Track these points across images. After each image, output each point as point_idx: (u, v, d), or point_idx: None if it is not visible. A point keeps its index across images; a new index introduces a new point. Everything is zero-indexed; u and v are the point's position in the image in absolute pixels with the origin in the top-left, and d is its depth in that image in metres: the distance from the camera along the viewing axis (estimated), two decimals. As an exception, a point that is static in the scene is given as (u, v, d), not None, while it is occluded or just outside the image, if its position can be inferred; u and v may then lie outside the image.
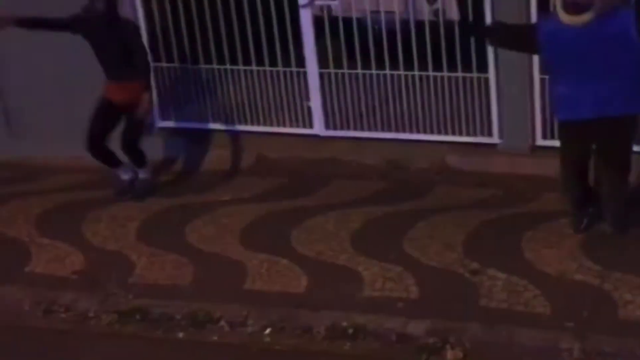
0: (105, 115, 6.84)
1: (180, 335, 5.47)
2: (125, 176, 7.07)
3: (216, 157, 7.48)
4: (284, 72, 7.56)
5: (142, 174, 7.11)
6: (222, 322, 5.50)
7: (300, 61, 7.48)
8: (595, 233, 5.97)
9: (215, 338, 5.43)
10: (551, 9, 5.86)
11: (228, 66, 7.64)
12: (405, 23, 7.28)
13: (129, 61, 6.64)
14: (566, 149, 5.85)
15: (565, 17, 5.50)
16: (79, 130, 6.72)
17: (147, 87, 6.75)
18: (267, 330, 5.42)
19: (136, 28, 6.92)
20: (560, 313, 5.26)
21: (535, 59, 6.78)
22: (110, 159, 7.01)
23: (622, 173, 5.85)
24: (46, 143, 7.66)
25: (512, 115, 6.98)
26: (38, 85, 7.69)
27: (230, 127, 7.72)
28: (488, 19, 6.81)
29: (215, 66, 7.66)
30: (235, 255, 6.12)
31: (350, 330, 5.32)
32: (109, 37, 6.63)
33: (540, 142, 6.95)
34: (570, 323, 5.17)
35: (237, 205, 6.79)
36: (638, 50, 5.48)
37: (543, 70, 6.81)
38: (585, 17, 5.44)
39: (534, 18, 6.65)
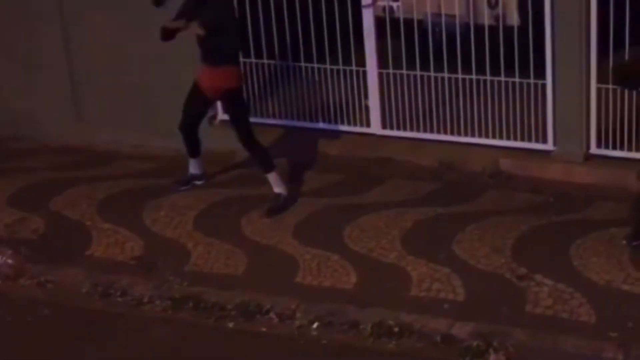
0: (196, 100, 6.62)
1: (231, 325, 5.49)
2: (193, 170, 7.01)
3: (276, 152, 7.46)
4: (344, 71, 7.52)
5: (278, 189, 6.59)
6: (272, 314, 5.50)
7: (361, 60, 7.45)
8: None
9: (264, 329, 5.43)
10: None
11: (290, 62, 7.61)
12: (465, 26, 7.19)
13: (220, 45, 6.34)
14: None
15: None
16: (146, 119, 6.75)
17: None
18: (315, 325, 5.40)
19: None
20: (605, 322, 5.16)
21: (593, 67, 6.65)
22: (192, 147, 6.83)
23: None
24: (113, 130, 7.74)
25: (567, 122, 6.83)
26: (107, 73, 7.76)
27: (291, 123, 7.71)
28: (548, 24, 6.69)
29: (278, 62, 7.64)
30: (289, 248, 6.11)
31: (396, 329, 5.28)
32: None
33: (594, 150, 6.80)
34: (615, 333, 5.07)
35: (292, 200, 6.80)
36: None
37: (601, 79, 6.69)
38: None
39: (593, 25, 6.51)
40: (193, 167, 7.00)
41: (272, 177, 6.63)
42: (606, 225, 6.06)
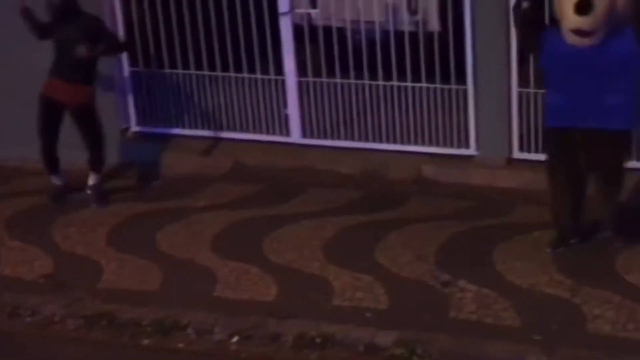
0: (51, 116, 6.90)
1: (146, 342, 5.44)
2: (57, 182, 7.09)
3: (192, 163, 7.46)
4: (262, 80, 7.58)
5: (93, 180, 7.07)
6: (189, 330, 5.47)
7: (279, 69, 7.52)
8: (568, 247, 5.97)
9: (181, 345, 5.40)
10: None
11: (206, 72, 7.65)
12: (385, 33, 7.31)
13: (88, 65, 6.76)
14: (555, 158, 5.81)
15: (572, 39, 5.52)
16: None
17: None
18: (234, 339, 5.39)
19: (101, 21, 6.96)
20: (529, 326, 5.26)
21: (514, 71, 6.84)
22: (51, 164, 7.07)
23: (616, 189, 5.84)
24: (18, 146, 7.62)
25: (489, 127, 6.99)
26: (5, 88, 7.66)
27: (207, 134, 7.74)
28: (468, 29, 6.86)
29: (193, 72, 7.67)
30: (206, 262, 6.10)
31: (318, 340, 5.30)
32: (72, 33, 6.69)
33: (517, 154, 6.96)
34: (539, 336, 5.17)
35: (210, 212, 6.77)
36: (636, 69, 5.53)
37: (521, 83, 6.87)
38: (592, 41, 5.47)
39: (513, 30, 6.69)
40: (56, 179, 7.11)
41: (97, 175, 7.03)
42: (529, 229, 6.20)
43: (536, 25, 5.85)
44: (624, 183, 5.88)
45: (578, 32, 5.46)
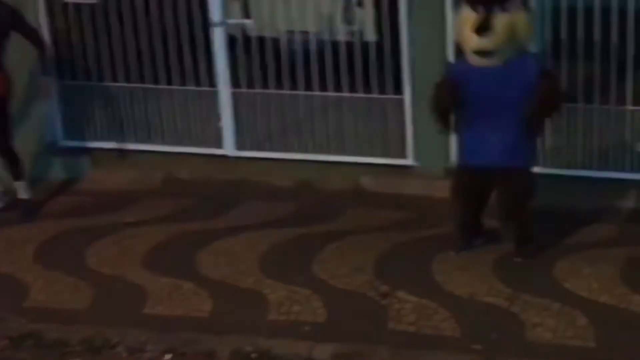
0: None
1: (75, 361, 5.39)
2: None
3: (122, 178, 7.41)
4: (195, 92, 7.56)
5: (23, 194, 6.97)
6: (120, 348, 5.40)
7: (212, 80, 7.51)
8: (507, 256, 6.06)
9: (112, 364, 5.36)
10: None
11: (136, 84, 7.60)
12: (321, 43, 7.36)
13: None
14: (463, 194, 6.01)
15: (474, 61, 5.68)
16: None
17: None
18: (167, 356, 5.34)
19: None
20: (469, 335, 5.31)
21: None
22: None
23: (526, 227, 6.03)
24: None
25: (427, 137, 7.06)
26: None
27: (137, 147, 7.69)
28: (405, 39, 6.94)
29: (123, 84, 7.63)
30: (137, 278, 6.04)
31: (254, 355, 5.27)
32: None
33: (455, 164, 7.05)
34: (479, 345, 5.22)
35: (141, 227, 6.72)
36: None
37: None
38: (494, 61, 5.64)
39: (450, 39, 6.79)
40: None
41: (22, 185, 6.93)
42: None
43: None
44: (531, 216, 6.04)
45: (479, 52, 5.64)
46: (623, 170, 6.80)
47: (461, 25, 5.77)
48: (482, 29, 5.59)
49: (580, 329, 5.30)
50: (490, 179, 5.89)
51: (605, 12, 6.54)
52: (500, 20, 5.60)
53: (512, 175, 5.84)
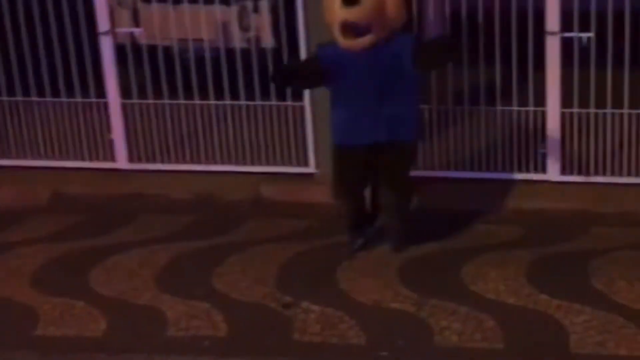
0: None
1: (-40, 389, 5.24)
2: None
3: (7, 195, 7.25)
4: (83, 104, 7.49)
5: None
6: (8, 372, 5.30)
7: (101, 92, 7.43)
8: (412, 261, 6.15)
9: (-1, 390, 5.23)
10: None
11: (20, 98, 7.50)
12: (216, 51, 7.36)
13: None
14: (342, 174, 6.09)
15: (343, 42, 5.75)
16: None
17: None
18: (60, 378, 5.26)
19: None
20: (375, 343, 5.34)
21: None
22: None
23: (403, 196, 6.16)
24: None
25: (328, 144, 7.10)
26: None
27: (23, 163, 7.55)
28: (303, 45, 6.99)
29: (4, 98, 7.50)
30: (26, 300, 5.90)
31: (153, 374, 5.24)
32: None
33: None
34: (386, 352, 5.25)
35: (29, 247, 6.58)
36: (412, 78, 5.84)
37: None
38: (364, 42, 5.71)
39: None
40: None
41: None
42: (372, 245, 6.32)
43: (300, 67, 6.14)
44: (413, 193, 6.23)
45: (346, 25, 5.65)
46: (519, 171, 7.01)
47: (329, 4, 5.77)
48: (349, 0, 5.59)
49: (488, 331, 5.38)
50: (373, 154, 5.95)
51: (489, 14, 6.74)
52: None
53: (396, 148, 5.93)
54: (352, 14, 5.63)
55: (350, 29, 5.68)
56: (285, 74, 6.19)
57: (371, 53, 5.74)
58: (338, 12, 5.67)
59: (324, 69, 5.86)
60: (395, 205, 6.16)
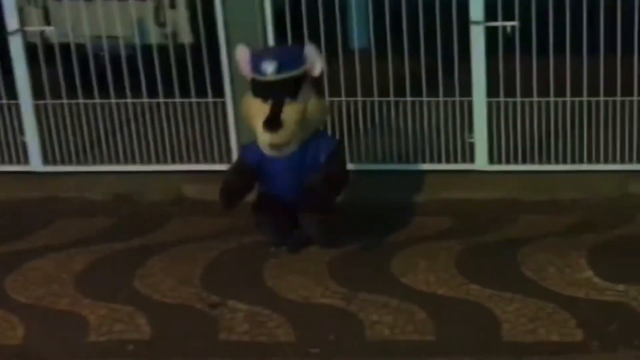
0: None
1: None
2: None
3: None
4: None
5: None
6: None
7: (13, 92, 7.32)
8: (341, 256, 6.17)
9: None
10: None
11: None
12: (131, 48, 7.31)
13: None
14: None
15: (268, 152, 5.86)
16: None
17: None
18: (-23, 389, 5.17)
19: None
20: (305, 340, 5.35)
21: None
22: None
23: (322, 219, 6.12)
24: None
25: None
26: None
27: None
28: (222, 40, 6.98)
29: None
30: None
31: (74, 380, 5.18)
32: None
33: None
34: (316, 349, 5.26)
35: (-63, 255, 6.47)
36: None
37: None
38: (287, 151, 5.83)
39: (270, 38, 6.88)
40: None
41: None
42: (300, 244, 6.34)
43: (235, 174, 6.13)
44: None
45: (272, 147, 5.82)
46: (440, 161, 7.13)
47: (249, 112, 5.89)
48: (273, 126, 5.69)
49: (419, 323, 5.44)
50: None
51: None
52: (291, 113, 5.73)
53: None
54: (276, 139, 5.76)
55: (276, 148, 5.80)
56: (229, 196, 6.09)
57: (294, 155, 5.88)
58: (263, 136, 5.78)
59: (254, 170, 5.98)
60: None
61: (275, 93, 5.74)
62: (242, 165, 6.09)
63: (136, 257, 6.28)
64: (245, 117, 6.03)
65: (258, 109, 5.79)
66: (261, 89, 5.79)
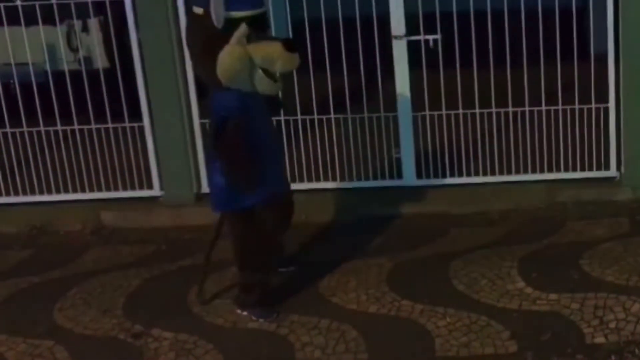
0: None
1: None
2: None
3: None
4: None
5: None
6: None
7: None
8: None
9: None
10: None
11: None
12: (42, 75, 7.27)
13: None
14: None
15: (277, 86, 5.66)
16: None
17: None
18: None
19: None
20: (229, 365, 5.38)
21: (194, 103, 7.05)
22: None
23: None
24: None
25: (173, 164, 7.13)
26: None
27: None
28: (138, 64, 7.00)
29: None
30: None
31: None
32: None
33: (206, 189, 7.12)
34: (243, 374, 5.30)
35: None
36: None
37: (204, 114, 7.04)
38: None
39: (188, 62, 6.89)
40: None
41: None
42: (226, 265, 6.32)
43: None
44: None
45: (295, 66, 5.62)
46: (368, 179, 7.20)
47: (266, 53, 5.47)
48: (293, 46, 5.50)
49: (351, 342, 5.47)
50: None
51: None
52: None
53: None
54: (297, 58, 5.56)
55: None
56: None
57: None
58: (287, 58, 5.45)
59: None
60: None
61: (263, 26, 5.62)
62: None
63: (55, 289, 6.23)
64: (233, 69, 5.40)
65: (258, 46, 5.42)
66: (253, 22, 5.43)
